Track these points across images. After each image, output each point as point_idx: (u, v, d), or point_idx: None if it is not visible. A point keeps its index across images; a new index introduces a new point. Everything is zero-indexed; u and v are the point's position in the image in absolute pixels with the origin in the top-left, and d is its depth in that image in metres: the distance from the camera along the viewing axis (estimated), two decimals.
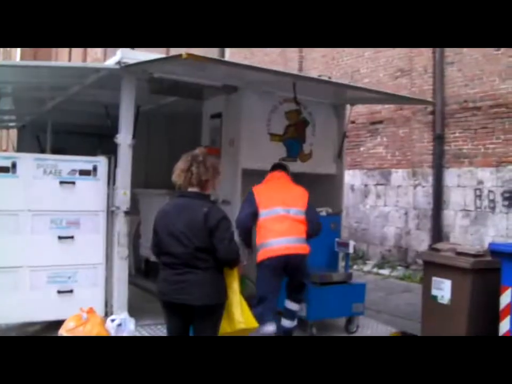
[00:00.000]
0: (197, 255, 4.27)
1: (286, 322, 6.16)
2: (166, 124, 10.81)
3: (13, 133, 15.31)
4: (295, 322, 6.18)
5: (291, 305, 6.15)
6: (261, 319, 5.23)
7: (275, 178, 6.27)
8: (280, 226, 5.87)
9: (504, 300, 5.40)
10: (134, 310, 6.42)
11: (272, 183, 6.23)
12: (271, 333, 5.66)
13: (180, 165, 4.44)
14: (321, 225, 6.15)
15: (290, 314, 6.16)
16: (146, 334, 6.22)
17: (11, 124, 13.88)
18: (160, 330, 6.20)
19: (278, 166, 6.48)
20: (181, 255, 4.29)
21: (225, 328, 4.56)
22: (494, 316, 5.51)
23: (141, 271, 9.63)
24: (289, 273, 5.95)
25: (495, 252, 5.57)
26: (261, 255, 5.85)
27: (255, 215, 5.96)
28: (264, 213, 5.95)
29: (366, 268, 12.97)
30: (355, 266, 13.11)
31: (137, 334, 6.01)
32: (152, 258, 7.29)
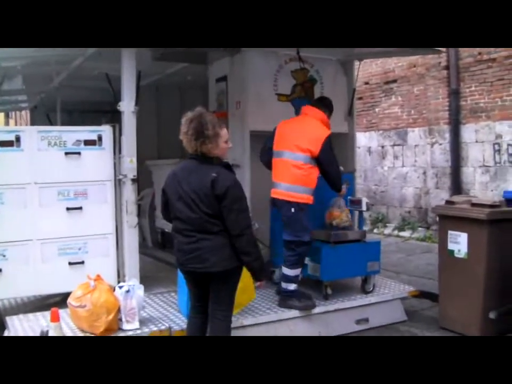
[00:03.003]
0: (208, 220, 4.21)
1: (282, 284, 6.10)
2: (176, 93, 10.72)
3: (26, 114, 15.37)
4: (290, 287, 6.01)
5: (282, 268, 6.11)
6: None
7: (301, 114, 6.30)
8: (276, 170, 6.02)
9: None
10: (148, 280, 6.43)
11: (293, 120, 6.30)
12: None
13: (182, 128, 4.35)
14: (335, 174, 6.00)
15: (284, 278, 6.06)
16: (158, 301, 6.20)
17: (23, 105, 13.98)
18: (172, 297, 6.20)
19: (315, 101, 6.49)
20: (192, 221, 4.24)
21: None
22: None
23: (158, 242, 9.58)
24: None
25: (511, 199, 5.39)
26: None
27: (270, 150, 6.12)
28: (274, 154, 6.11)
29: (387, 231, 12.84)
30: (375, 230, 13.04)
31: (148, 301, 6.03)
32: (167, 229, 7.27)
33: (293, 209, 5.81)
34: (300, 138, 5.87)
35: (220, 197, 4.17)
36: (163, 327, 5.33)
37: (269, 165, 6.17)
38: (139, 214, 8.82)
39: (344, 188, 6.26)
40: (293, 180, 5.84)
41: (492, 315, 5.62)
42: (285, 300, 6.00)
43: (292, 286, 5.98)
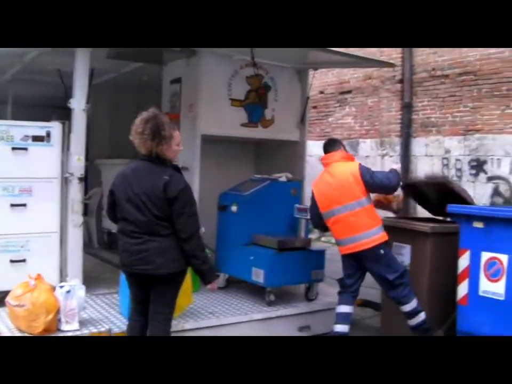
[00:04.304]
0: (157, 223, 4.19)
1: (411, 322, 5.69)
2: (131, 93, 10.61)
3: None
4: (421, 318, 5.64)
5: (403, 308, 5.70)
6: None
7: (325, 167, 5.86)
8: (340, 226, 5.63)
9: (462, 263, 5.32)
10: (91, 280, 6.39)
11: (324, 175, 5.81)
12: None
13: (135, 128, 4.31)
14: (387, 181, 5.62)
15: (410, 315, 5.67)
16: (100, 302, 6.13)
17: None
18: (114, 298, 6.11)
19: (325, 146, 5.99)
20: (141, 223, 4.22)
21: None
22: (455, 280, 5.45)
23: (104, 243, 9.47)
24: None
25: (453, 214, 5.49)
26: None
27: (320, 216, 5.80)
28: (324, 215, 5.75)
29: (334, 240, 12.85)
30: (323, 238, 13.06)
31: (89, 302, 5.93)
32: (114, 230, 7.18)
33: (382, 251, 5.54)
34: (341, 191, 5.58)
35: (172, 200, 4.16)
36: (103, 329, 5.25)
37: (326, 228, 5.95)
38: (86, 213, 8.73)
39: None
40: (366, 227, 5.54)
41: (439, 333, 5.73)
42: (425, 332, 5.64)
43: (422, 315, 5.61)
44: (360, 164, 5.76)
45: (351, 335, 5.64)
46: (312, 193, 5.82)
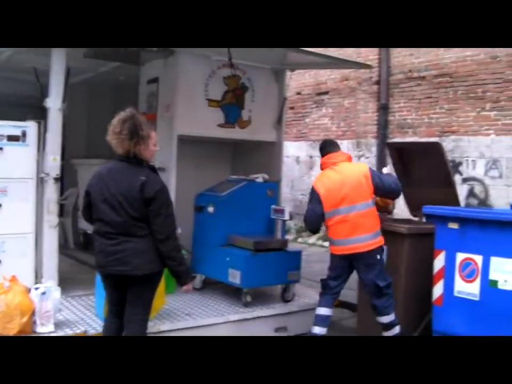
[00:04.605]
0: (133, 224, 4.17)
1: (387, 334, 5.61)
2: (108, 93, 10.54)
3: None
4: (397, 330, 5.56)
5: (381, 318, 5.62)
6: None
7: (330, 166, 5.67)
8: (345, 226, 5.48)
9: (437, 263, 5.37)
10: (67, 281, 6.31)
11: (329, 173, 5.63)
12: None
13: (113, 128, 4.28)
14: (395, 186, 5.59)
15: (388, 327, 5.58)
16: (76, 304, 6.09)
17: None
18: (90, 300, 6.07)
19: (327, 146, 5.86)
20: (117, 224, 4.18)
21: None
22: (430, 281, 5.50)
23: (80, 244, 9.41)
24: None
25: (429, 215, 5.53)
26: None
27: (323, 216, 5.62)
28: (328, 214, 5.57)
29: (311, 241, 12.95)
30: (300, 239, 13.13)
31: (65, 303, 5.90)
32: (90, 230, 7.13)
33: (378, 256, 5.51)
34: (353, 191, 5.49)
35: (148, 200, 4.15)
36: (78, 331, 5.21)
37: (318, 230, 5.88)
38: (62, 214, 8.68)
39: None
40: (370, 229, 5.50)
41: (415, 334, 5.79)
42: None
43: (397, 328, 5.54)
44: (367, 165, 5.75)
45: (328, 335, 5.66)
46: (317, 193, 5.56)
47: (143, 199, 4.14)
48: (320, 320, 5.63)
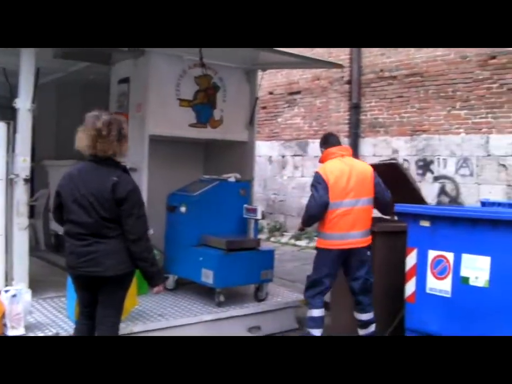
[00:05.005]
0: (104, 224, 4.12)
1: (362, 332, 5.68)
2: (78, 93, 10.45)
3: None
4: (373, 328, 5.64)
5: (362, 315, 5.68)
6: None
7: (336, 157, 5.63)
8: (347, 219, 5.43)
9: (409, 261, 5.40)
10: (38, 284, 6.27)
11: (338, 164, 5.56)
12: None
13: (95, 132, 4.22)
14: (387, 194, 5.67)
15: (367, 324, 5.65)
16: (47, 306, 6.04)
17: None
18: (62, 302, 6.02)
19: (332, 139, 5.86)
20: (88, 225, 4.14)
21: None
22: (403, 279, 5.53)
23: (51, 245, 9.32)
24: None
25: (401, 213, 5.57)
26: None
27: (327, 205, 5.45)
28: (331, 205, 5.43)
29: (284, 240, 13.01)
30: (272, 239, 13.18)
31: (36, 306, 5.85)
32: (61, 232, 7.05)
33: (368, 253, 5.55)
34: (362, 184, 5.52)
35: (120, 201, 4.11)
36: (50, 333, 5.17)
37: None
38: (33, 215, 8.58)
39: None
40: (367, 225, 5.56)
41: (387, 333, 5.82)
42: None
43: (373, 327, 5.61)
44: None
45: (299, 334, 5.67)
46: (325, 182, 5.40)
47: (114, 199, 4.10)
48: (319, 322, 5.57)
